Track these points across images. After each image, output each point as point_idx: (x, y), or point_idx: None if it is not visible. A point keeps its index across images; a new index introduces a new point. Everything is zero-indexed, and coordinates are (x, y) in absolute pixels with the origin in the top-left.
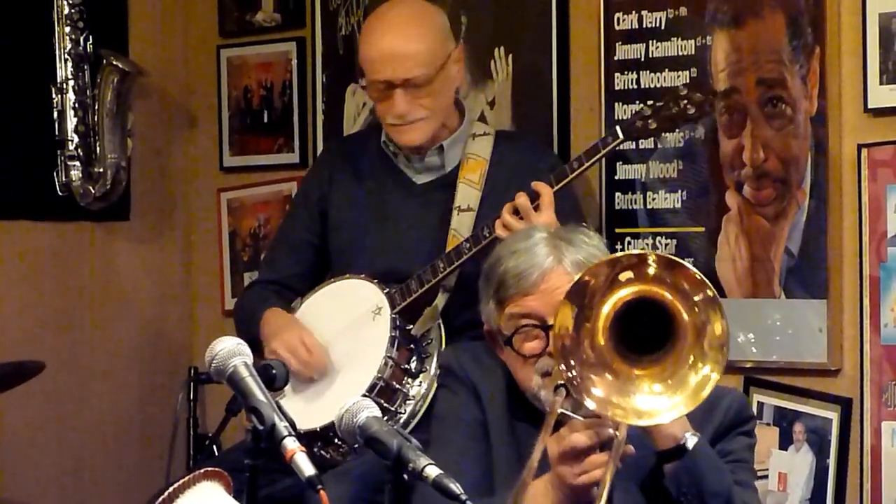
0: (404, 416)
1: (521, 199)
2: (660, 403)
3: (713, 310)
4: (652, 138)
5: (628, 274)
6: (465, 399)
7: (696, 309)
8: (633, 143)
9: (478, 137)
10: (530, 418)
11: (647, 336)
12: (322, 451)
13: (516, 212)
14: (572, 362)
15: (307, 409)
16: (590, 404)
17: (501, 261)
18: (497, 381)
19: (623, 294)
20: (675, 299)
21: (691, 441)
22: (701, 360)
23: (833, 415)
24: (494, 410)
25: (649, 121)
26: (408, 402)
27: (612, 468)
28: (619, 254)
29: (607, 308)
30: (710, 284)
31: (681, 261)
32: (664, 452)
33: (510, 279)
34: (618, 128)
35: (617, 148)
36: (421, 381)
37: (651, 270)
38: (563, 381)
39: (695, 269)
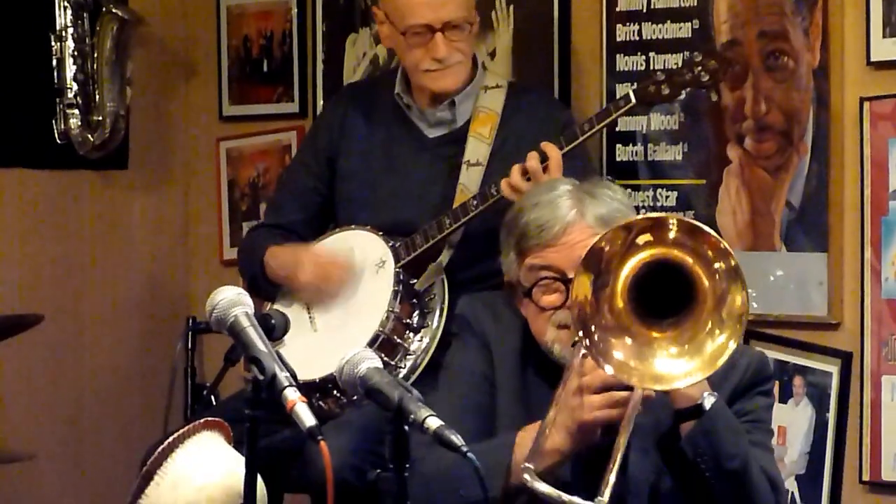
0: (404, 371)
1: (532, 162)
2: (677, 367)
3: (734, 280)
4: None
5: (647, 237)
6: (475, 354)
7: (717, 277)
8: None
9: (490, 90)
10: (542, 372)
11: (666, 299)
12: (320, 403)
13: (525, 172)
14: (592, 328)
15: (307, 360)
16: (608, 369)
17: (524, 212)
18: (512, 335)
19: (642, 257)
20: (695, 263)
21: (709, 401)
22: (719, 327)
23: (833, 368)
24: (505, 366)
25: (662, 86)
26: (408, 356)
27: (629, 426)
28: (634, 218)
29: (626, 271)
30: (732, 253)
31: (704, 227)
32: (682, 412)
33: (532, 230)
34: (630, 92)
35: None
36: (422, 336)
37: (671, 235)
38: (579, 339)
39: (718, 237)
